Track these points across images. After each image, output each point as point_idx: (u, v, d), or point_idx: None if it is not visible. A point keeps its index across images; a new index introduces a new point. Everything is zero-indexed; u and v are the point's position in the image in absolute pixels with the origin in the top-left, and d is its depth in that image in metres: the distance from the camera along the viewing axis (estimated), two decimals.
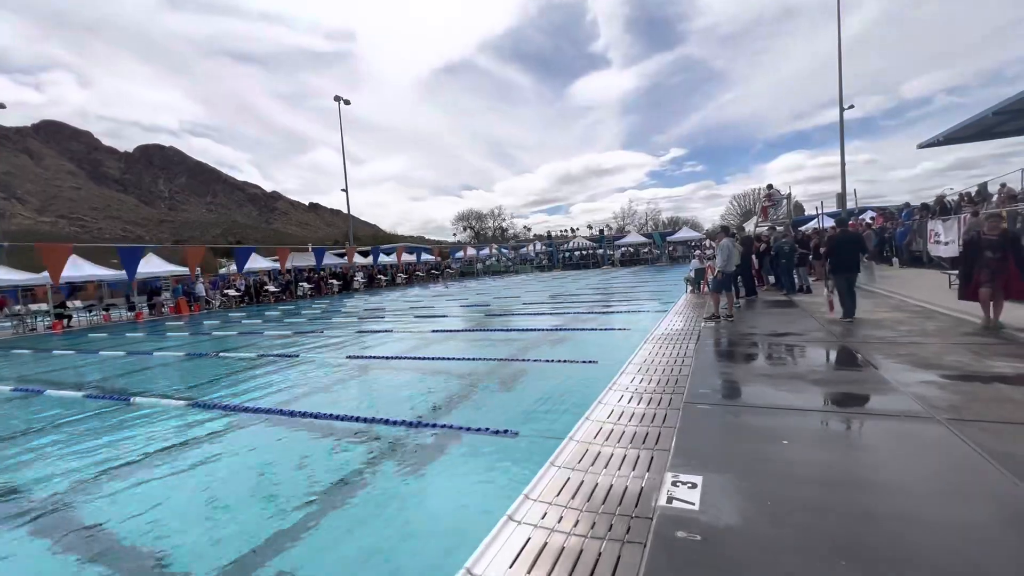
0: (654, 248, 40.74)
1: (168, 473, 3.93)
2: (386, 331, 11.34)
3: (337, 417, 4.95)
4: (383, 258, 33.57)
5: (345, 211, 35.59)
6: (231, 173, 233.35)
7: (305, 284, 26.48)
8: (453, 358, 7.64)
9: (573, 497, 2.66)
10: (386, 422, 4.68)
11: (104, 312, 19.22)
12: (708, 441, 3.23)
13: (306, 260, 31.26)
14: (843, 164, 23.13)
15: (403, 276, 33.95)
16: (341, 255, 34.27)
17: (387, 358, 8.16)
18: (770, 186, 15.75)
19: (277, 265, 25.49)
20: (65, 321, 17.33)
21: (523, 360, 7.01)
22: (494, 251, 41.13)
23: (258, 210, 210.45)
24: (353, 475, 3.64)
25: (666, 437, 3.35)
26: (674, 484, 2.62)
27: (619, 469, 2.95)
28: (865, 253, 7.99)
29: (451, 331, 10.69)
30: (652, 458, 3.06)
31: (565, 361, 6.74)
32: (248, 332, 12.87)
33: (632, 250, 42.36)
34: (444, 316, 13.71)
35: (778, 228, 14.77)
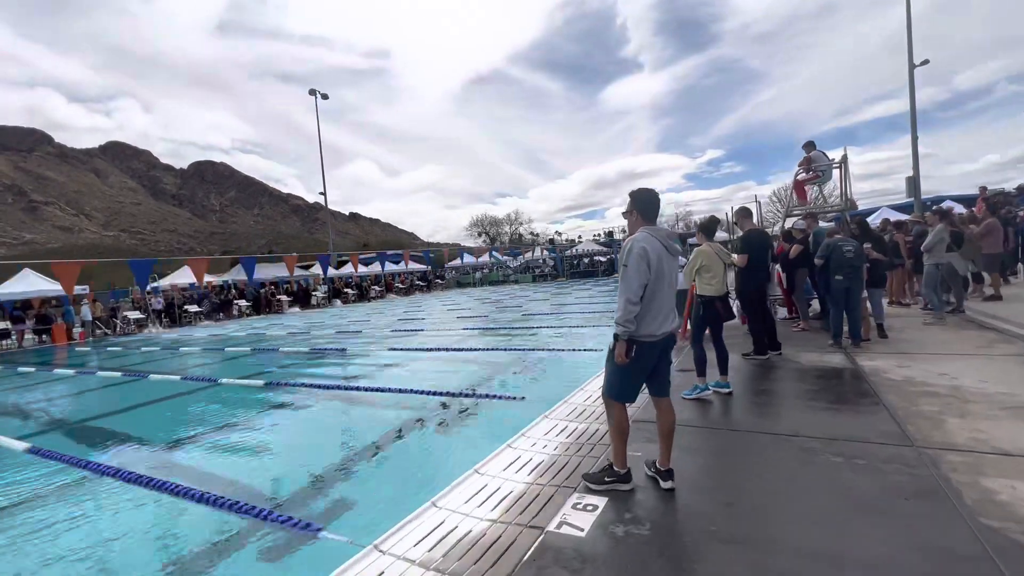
0: None
1: None
2: None
3: None
4: (358, 269, 29.20)
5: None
6: (276, 186, 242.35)
7: (242, 302, 22.42)
8: None
9: None
10: None
11: None
12: None
13: (277, 271, 27.35)
14: (914, 138, 16.49)
15: (377, 289, 29.45)
16: (307, 267, 30.40)
17: None
18: (810, 145, 8.70)
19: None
20: None
21: None
22: (483, 259, 35.25)
23: (301, 221, 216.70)
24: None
25: None
26: None
27: None
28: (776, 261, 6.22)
29: None
30: None
31: None
32: None
33: None
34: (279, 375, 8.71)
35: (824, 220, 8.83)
